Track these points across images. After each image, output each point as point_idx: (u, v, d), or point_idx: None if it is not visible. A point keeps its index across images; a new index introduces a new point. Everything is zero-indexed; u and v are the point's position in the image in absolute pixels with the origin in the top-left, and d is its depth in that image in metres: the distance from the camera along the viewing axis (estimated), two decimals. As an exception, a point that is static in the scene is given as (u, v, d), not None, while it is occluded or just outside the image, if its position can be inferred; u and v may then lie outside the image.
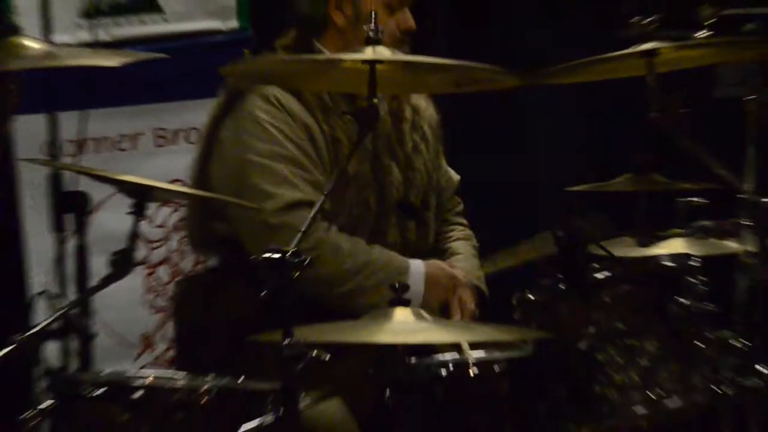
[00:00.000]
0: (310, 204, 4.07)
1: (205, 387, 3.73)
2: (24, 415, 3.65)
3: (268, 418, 3.52)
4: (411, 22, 4.47)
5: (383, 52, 3.61)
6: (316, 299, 4.01)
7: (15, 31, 3.89)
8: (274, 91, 4.28)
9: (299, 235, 3.61)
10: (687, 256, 4.03)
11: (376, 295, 4.00)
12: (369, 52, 3.59)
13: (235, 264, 4.28)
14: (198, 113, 4.51)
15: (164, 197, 4.38)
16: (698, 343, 3.94)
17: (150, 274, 5.24)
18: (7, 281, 5.06)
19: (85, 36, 5.02)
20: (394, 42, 4.26)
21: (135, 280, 5.00)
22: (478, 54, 4.05)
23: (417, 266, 4.36)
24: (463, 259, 4.59)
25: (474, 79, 3.94)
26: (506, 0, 5.92)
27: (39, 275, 4.82)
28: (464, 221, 4.75)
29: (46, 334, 3.87)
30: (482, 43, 5.49)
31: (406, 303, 3.70)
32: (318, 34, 4.38)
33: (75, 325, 4.10)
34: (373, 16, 4.16)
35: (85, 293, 4.15)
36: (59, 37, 4.44)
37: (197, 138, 4.59)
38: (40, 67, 3.97)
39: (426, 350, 3.96)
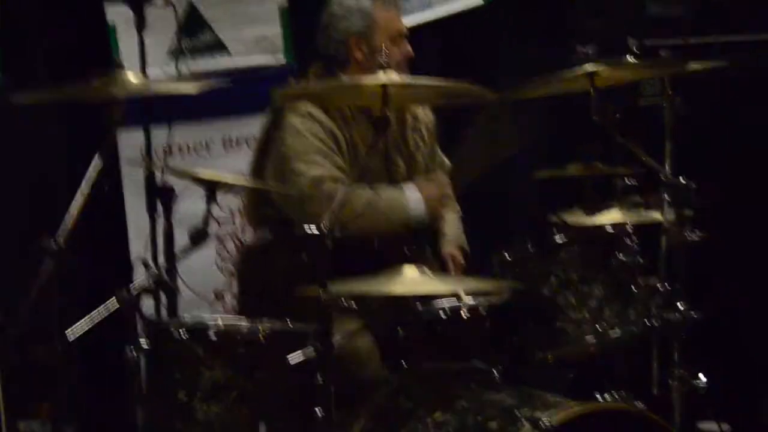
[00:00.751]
0: (333, 179, 4.26)
1: (261, 329, 3.75)
2: (126, 351, 3.66)
3: (309, 351, 3.51)
4: (410, 51, 4.51)
5: (393, 76, 3.64)
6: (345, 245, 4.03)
7: (119, 66, 3.93)
8: (306, 107, 4.34)
9: (323, 197, 3.90)
10: (623, 223, 4.05)
11: (385, 219, 4.13)
12: (382, 77, 3.61)
13: (280, 237, 4.31)
14: (254, 125, 4.53)
15: (229, 188, 4.40)
16: (633, 288, 3.96)
17: (220, 245, 5.26)
18: (114, 251, 5.07)
19: (171, 70, 5.01)
20: (399, 66, 4.29)
21: (209, 249, 5.01)
22: (462, 74, 4.05)
23: (409, 189, 4.40)
24: (451, 226, 4.59)
25: (460, 95, 3.95)
26: (485, 37, 5.87)
27: (138, 247, 4.84)
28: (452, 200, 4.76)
29: (143, 291, 3.90)
30: (465, 65, 5.45)
31: (413, 260, 3.81)
32: (342, 67, 4.38)
33: (164, 283, 4.13)
34: (383, 50, 4.29)
35: (172, 260, 4.18)
36: (152, 71, 4.42)
37: (254, 143, 4.59)
38: (137, 94, 4.00)
39: (428, 297, 3.94)
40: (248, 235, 4.77)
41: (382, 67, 3.73)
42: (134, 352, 3.83)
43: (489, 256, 4.26)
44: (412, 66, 4.18)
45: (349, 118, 4.39)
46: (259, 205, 4.51)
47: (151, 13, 4.47)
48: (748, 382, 4.91)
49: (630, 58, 4.18)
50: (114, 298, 3.81)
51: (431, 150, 4.68)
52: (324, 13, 4.59)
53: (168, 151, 4.84)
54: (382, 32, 4.47)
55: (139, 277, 4.14)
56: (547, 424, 3.47)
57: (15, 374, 3.61)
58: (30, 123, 5.04)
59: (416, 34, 5.72)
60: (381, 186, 4.42)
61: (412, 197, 4.37)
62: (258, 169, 4.49)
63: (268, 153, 4.43)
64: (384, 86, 3.65)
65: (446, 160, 4.80)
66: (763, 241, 5.18)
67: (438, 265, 4.51)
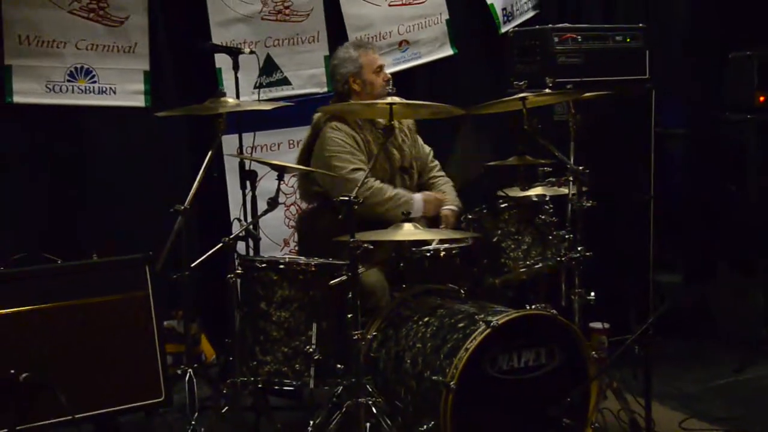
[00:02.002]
0: (360, 169, 4.20)
1: (313, 263, 3.75)
2: (228, 276, 3.65)
3: (343, 278, 3.51)
4: (387, 75, 4.46)
5: (396, 99, 3.63)
6: (368, 217, 4.01)
7: (223, 94, 3.91)
8: (334, 121, 4.32)
9: (358, 185, 3.63)
10: (544, 195, 4.03)
11: (397, 210, 3.98)
12: (389, 99, 3.62)
13: (323, 206, 4.31)
14: (305, 131, 4.47)
15: (291, 171, 4.37)
16: (549, 237, 3.96)
17: (286, 209, 5.19)
18: (220, 213, 5.05)
19: (255, 96, 4.96)
20: (383, 87, 4.28)
21: (279, 212, 4.97)
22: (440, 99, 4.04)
23: (417, 197, 4.34)
24: (448, 192, 4.56)
25: (439, 111, 3.92)
26: (456, 74, 5.81)
27: (235, 210, 4.80)
28: (442, 173, 4.71)
29: (238, 238, 3.89)
30: (443, 94, 5.36)
31: (411, 220, 3.82)
32: (349, 96, 4.37)
33: (251, 234, 4.12)
34: (384, 80, 4.39)
35: (256, 219, 4.17)
36: (243, 97, 4.38)
37: (302, 142, 4.55)
38: (234, 111, 3.97)
39: (420, 243, 3.95)
40: (303, 204, 4.68)
41: (389, 95, 3.74)
42: (233, 277, 3.83)
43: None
44: (402, 88, 4.12)
45: (361, 126, 4.37)
46: (308, 184, 4.48)
47: (242, 59, 4.46)
48: (620, 297, 4.90)
49: (547, 90, 4.17)
50: (221, 243, 3.82)
51: (414, 142, 4.63)
52: (329, 64, 4.63)
53: (253, 148, 4.79)
54: (367, 69, 4.43)
55: (236, 230, 4.14)
56: (496, 323, 3.47)
57: (161, 292, 3.58)
58: (167, 129, 5.02)
59: (413, 71, 5.73)
60: (400, 190, 4.40)
61: (417, 205, 4.33)
62: (304, 160, 4.47)
63: (313, 151, 4.41)
64: (390, 105, 3.64)
65: (426, 147, 4.75)
66: (628, 206, 5.21)
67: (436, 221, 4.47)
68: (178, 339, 4.42)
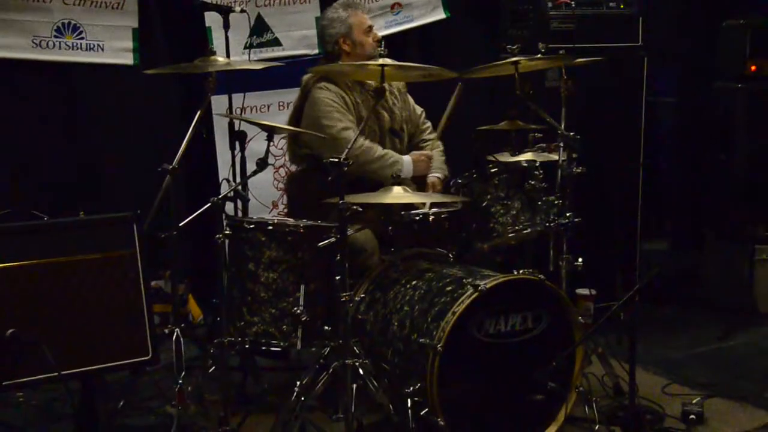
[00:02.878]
0: (350, 129, 4.20)
1: (301, 224, 3.75)
2: (216, 237, 3.65)
3: (331, 239, 3.51)
4: (378, 36, 4.48)
5: (387, 60, 3.62)
6: (358, 176, 4.02)
7: (213, 53, 3.89)
8: (323, 82, 4.31)
9: (354, 146, 3.65)
10: (534, 161, 4.03)
11: (388, 171, 3.98)
12: (380, 60, 3.59)
13: (312, 168, 4.30)
14: (295, 93, 4.45)
15: (281, 132, 4.37)
16: (538, 203, 3.98)
17: (275, 171, 5.19)
18: (209, 173, 5.15)
19: (245, 56, 4.95)
20: (373, 48, 4.29)
21: (268, 173, 4.97)
22: (432, 62, 4.01)
23: (406, 158, 4.34)
24: (436, 158, 4.55)
25: (431, 74, 3.91)
26: (449, 37, 5.80)
27: (224, 171, 4.81)
28: (433, 135, 4.71)
29: (226, 199, 3.89)
30: (436, 56, 5.36)
31: (400, 183, 3.77)
32: (339, 58, 4.36)
33: (240, 195, 4.11)
34: (374, 40, 4.45)
35: (245, 179, 4.16)
36: (233, 57, 4.36)
37: (292, 105, 4.54)
38: (224, 69, 3.96)
39: (409, 206, 3.93)
40: (292, 166, 4.68)
41: (381, 56, 3.72)
42: (221, 238, 3.83)
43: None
44: (394, 51, 4.10)
45: (351, 88, 4.36)
46: (297, 146, 4.48)
47: (233, 18, 4.43)
48: (607, 264, 4.92)
49: (540, 55, 4.17)
50: (209, 203, 3.82)
51: (404, 103, 4.63)
52: (319, 25, 4.60)
53: (242, 109, 4.78)
54: (357, 30, 4.42)
55: (224, 190, 4.14)
56: (483, 287, 3.49)
57: (148, 252, 3.57)
58: (156, 88, 5.01)
59: (405, 34, 5.71)
60: (389, 151, 4.39)
61: (406, 166, 4.33)
62: (294, 122, 4.46)
63: (304, 112, 4.39)
64: (382, 66, 3.62)
65: (418, 108, 4.73)
66: (617, 173, 5.21)
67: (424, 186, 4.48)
68: (165, 299, 4.43)
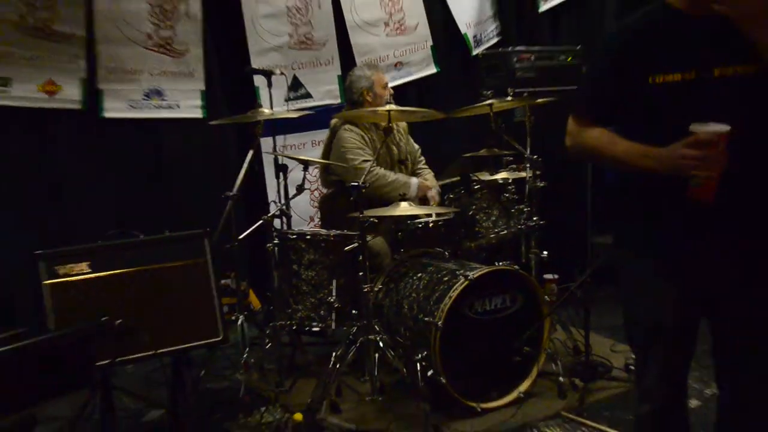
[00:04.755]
0: (368, 161, 4.15)
1: (331, 234, 3.79)
2: (267, 245, 3.66)
3: (355, 244, 3.52)
4: (391, 90, 4.48)
5: (393, 107, 3.61)
6: (374, 197, 4.01)
7: (260, 105, 3.91)
8: (347, 124, 4.31)
9: (366, 172, 3.67)
10: (507, 178, 4.05)
11: (397, 191, 3.94)
12: (388, 107, 3.58)
13: (339, 190, 4.28)
14: (324, 133, 4.45)
15: (314, 164, 4.36)
16: (512, 210, 3.99)
17: (311, 193, 5.18)
18: (260, 197, 5.09)
19: (285, 107, 4.96)
20: (387, 98, 4.28)
21: (305, 195, 4.93)
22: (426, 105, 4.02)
23: (414, 180, 4.31)
24: (430, 179, 4.51)
25: (426, 115, 3.90)
26: (439, 86, 5.79)
27: (271, 194, 4.80)
28: (426, 165, 4.66)
29: (274, 216, 3.89)
30: (429, 101, 5.34)
31: (406, 199, 3.74)
32: (362, 105, 4.33)
33: (284, 212, 4.14)
34: (389, 93, 4.43)
35: (287, 200, 4.16)
36: (276, 108, 4.36)
37: (323, 142, 4.51)
38: (269, 118, 3.95)
39: (414, 217, 3.95)
40: (324, 190, 4.65)
41: (388, 103, 3.72)
42: (271, 246, 3.84)
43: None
44: (397, 98, 4.10)
45: (368, 128, 4.33)
46: (327, 174, 4.47)
47: (275, 79, 4.42)
48: (566, 255, 4.87)
49: (509, 97, 4.16)
50: (261, 219, 3.83)
51: (407, 140, 4.60)
52: (348, 80, 4.53)
53: (284, 147, 4.79)
54: (377, 85, 4.40)
55: (272, 210, 4.14)
56: (472, 277, 3.49)
57: (218, 257, 3.57)
58: (219, 134, 5.02)
59: (406, 85, 5.71)
60: (402, 176, 4.36)
61: (413, 187, 4.31)
62: (325, 156, 4.44)
63: (332, 148, 4.38)
64: (389, 111, 3.61)
65: (416, 145, 4.69)
66: (571, 185, 5.22)
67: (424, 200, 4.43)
68: (232, 293, 4.43)
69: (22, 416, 3.51)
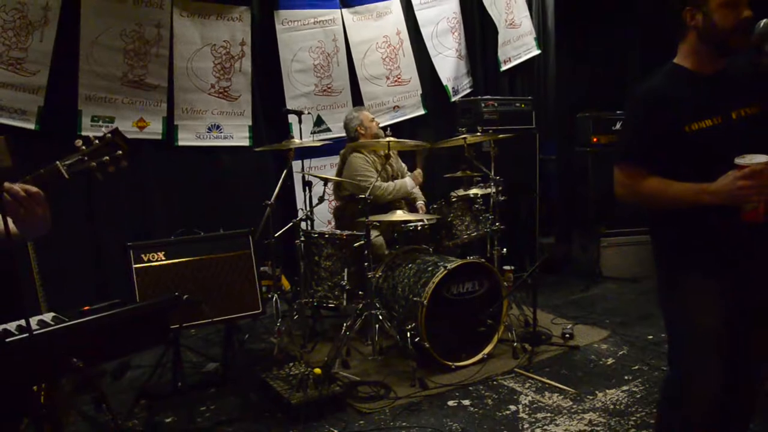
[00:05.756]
0: (372, 178, 4.07)
1: (344, 234, 3.73)
2: (296, 242, 3.61)
3: (362, 242, 3.47)
4: (377, 122, 4.43)
5: (392, 139, 3.59)
6: (379, 203, 4.01)
7: (292, 137, 3.89)
8: (355, 152, 4.23)
9: (372, 187, 3.60)
10: (477, 193, 3.99)
11: (400, 193, 4.00)
12: (387, 138, 3.54)
13: (348, 201, 4.19)
14: (338, 159, 4.39)
15: (331, 181, 4.30)
16: (480, 217, 3.93)
17: (329, 203, 5.11)
18: (290, 206, 5.00)
19: (311, 138, 4.94)
20: (376, 129, 4.30)
21: (324, 205, 4.90)
22: (415, 137, 3.96)
23: (406, 179, 4.23)
24: (419, 194, 4.38)
25: (416, 145, 3.86)
26: (424, 125, 5.74)
27: (300, 203, 4.75)
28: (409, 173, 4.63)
29: (301, 220, 3.84)
30: (416, 135, 5.26)
31: (400, 208, 3.70)
32: (358, 138, 4.24)
33: (309, 217, 4.08)
34: (376, 125, 4.36)
35: (311, 208, 4.10)
36: (304, 139, 4.31)
37: (337, 165, 4.45)
38: (299, 146, 3.91)
39: (406, 222, 3.87)
40: (341, 202, 4.55)
41: (385, 136, 3.66)
42: (299, 242, 3.80)
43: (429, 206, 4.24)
44: (394, 132, 3.99)
45: (370, 153, 4.25)
46: (339, 189, 4.39)
47: (304, 117, 4.37)
48: (520, 251, 4.82)
49: (478, 133, 4.12)
50: (291, 222, 3.78)
51: (398, 161, 4.51)
52: (344, 122, 4.48)
53: (310, 168, 4.72)
54: (365, 120, 4.31)
55: (300, 215, 4.10)
56: (449, 267, 3.45)
57: (259, 250, 3.53)
58: (261, 158, 4.93)
59: (401, 123, 5.63)
60: (398, 181, 4.29)
61: (408, 184, 4.24)
62: (338, 175, 4.38)
63: (344, 168, 4.31)
64: (389, 142, 3.58)
65: (404, 165, 4.59)
66: (524, 199, 5.17)
67: (414, 209, 4.38)
68: (268, 277, 4.37)
69: (119, 362, 3.62)
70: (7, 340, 1.03)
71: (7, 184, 1.43)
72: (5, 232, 1.43)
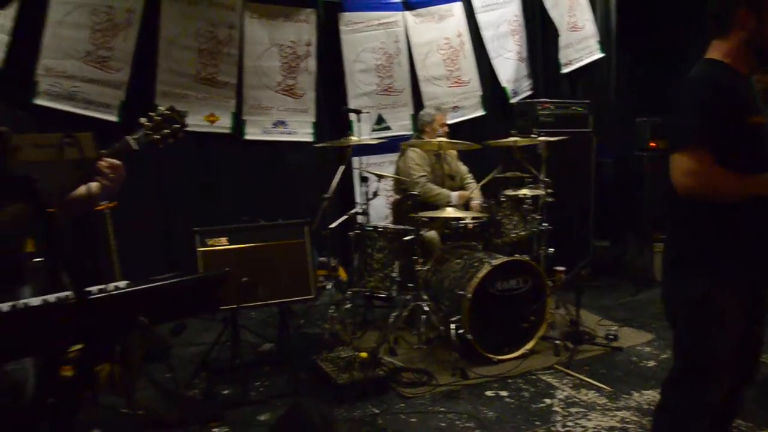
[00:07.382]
0: (424, 176, 4.21)
1: (397, 228, 3.84)
2: (350, 233, 3.71)
3: (413, 236, 3.58)
4: (446, 129, 4.45)
5: (442, 138, 3.68)
6: (429, 203, 4.08)
7: (352, 134, 4.03)
8: (411, 148, 4.32)
9: (422, 186, 3.67)
10: (526, 194, 3.99)
11: (441, 200, 4.05)
12: (439, 139, 3.63)
13: (405, 197, 4.16)
14: (396, 156, 4.48)
15: (388, 177, 4.41)
16: (527, 217, 3.97)
17: (386, 198, 5.19)
18: (348, 199, 5.05)
19: (371, 135, 5.02)
20: (440, 132, 4.33)
21: (381, 199, 4.96)
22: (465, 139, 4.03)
23: (453, 193, 4.25)
24: (475, 192, 4.49)
25: (464, 146, 3.93)
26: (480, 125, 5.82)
27: (357, 197, 4.88)
28: (473, 180, 4.53)
29: (357, 214, 3.97)
30: (476, 133, 5.30)
31: (450, 206, 3.77)
32: (423, 132, 4.37)
33: (365, 211, 4.19)
34: (443, 131, 4.39)
35: (367, 203, 4.22)
36: (363, 137, 4.46)
37: (396, 161, 4.55)
38: (357, 143, 4.05)
39: (457, 219, 3.94)
40: (397, 196, 4.63)
41: (440, 137, 3.77)
42: (353, 235, 3.94)
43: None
44: (454, 132, 4.09)
45: (426, 151, 4.33)
46: (398, 184, 4.49)
47: (364, 116, 4.53)
48: (571, 253, 4.75)
49: (533, 135, 4.14)
50: (347, 215, 3.93)
51: (456, 162, 4.59)
52: (421, 111, 4.57)
53: (367, 164, 4.84)
54: (436, 122, 4.41)
55: (357, 209, 4.23)
56: (493, 264, 3.53)
57: (316, 239, 3.65)
58: (323, 153, 5.02)
59: (461, 123, 5.66)
60: (445, 189, 4.33)
61: (453, 198, 4.26)
62: (397, 171, 4.50)
63: (401, 165, 4.42)
64: (440, 142, 3.67)
65: (464, 167, 4.66)
66: (577, 201, 5.13)
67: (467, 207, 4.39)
68: (326, 267, 4.54)
69: (177, 323, 3.91)
70: (90, 297, 1.24)
71: (102, 162, 1.75)
72: (92, 197, 1.76)
